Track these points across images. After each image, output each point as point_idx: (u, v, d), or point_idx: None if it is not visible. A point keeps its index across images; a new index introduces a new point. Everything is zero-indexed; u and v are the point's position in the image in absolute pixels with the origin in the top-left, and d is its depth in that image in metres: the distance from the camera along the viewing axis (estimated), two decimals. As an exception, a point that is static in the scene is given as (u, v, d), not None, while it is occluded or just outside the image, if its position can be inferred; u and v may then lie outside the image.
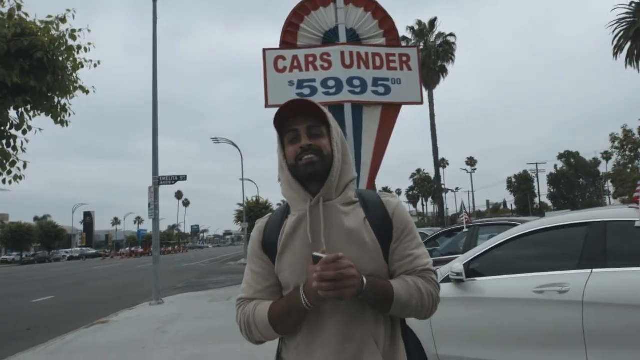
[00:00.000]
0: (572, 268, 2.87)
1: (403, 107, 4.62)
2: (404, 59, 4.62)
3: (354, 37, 4.61)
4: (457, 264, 3.35)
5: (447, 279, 3.42)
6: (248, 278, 1.40)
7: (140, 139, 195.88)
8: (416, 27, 35.65)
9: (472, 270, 3.35)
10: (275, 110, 1.34)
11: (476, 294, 3.24)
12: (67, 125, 7.45)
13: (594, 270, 2.79)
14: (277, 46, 4.50)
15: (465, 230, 7.31)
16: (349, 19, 4.63)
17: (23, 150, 6.97)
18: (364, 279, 1.19)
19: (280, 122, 1.35)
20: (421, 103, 4.73)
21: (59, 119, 7.32)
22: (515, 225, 6.25)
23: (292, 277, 1.31)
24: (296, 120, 1.33)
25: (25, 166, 6.98)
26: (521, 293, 2.98)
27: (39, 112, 7.06)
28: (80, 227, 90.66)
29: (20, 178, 6.95)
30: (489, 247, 3.36)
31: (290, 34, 4.53)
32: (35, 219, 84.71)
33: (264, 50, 4.45)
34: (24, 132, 6.99)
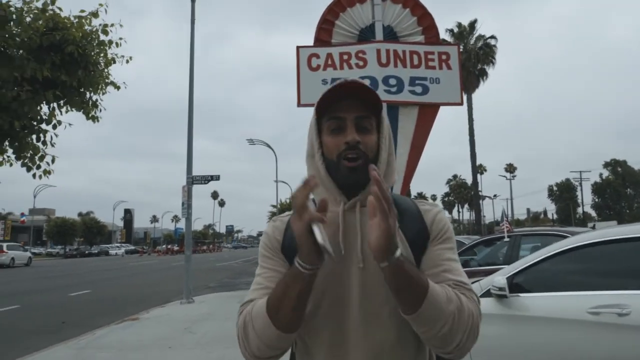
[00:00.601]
0: (634, 288, 2.54)
1: (440, 108, 4.38)
2: (444, 57, 4.39)
3: (391, 35, 4.42)
4: (499, 278, 3.05)
5: (487, 293, 3.13)
6: (259, 279, 1.13)
7: (178, 140, 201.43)
8: (455, 30, 34.86)
9: (516, 285, 3.04)
10: (308, 108, 1.13)
11: (520, 312, 2.93)
12: (98, 121, 7.48)
13: None
14: (311, 44, 4.35)
15: (507, 239, 6.91)
16: (386, 16, 4.45)
17: (52, 145, 7.06)
18: (400, 245, 0.94)
19: (325, 105, 1.10)
20: (461, 104, 4.46)
21: (90, 114, 7.35)
22: (561, 236, 5.87)
23: (317, 292, 1.05)
24: (343, 106, 1.08)
25: (53, 160, 7.07)
26: (573, 313, 2.66)
27: (70, 107, 7.13)
28: (121, 224, 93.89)
29: (50, 173, 7.05)
30: (536, 260, 3.04)
31: (324, 31, 4.38)
32: (79, 214, 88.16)
33: (298, 47, 4.31)
34: (54, 127, 7.04)
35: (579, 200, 69.37)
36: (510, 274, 3.10)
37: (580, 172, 61.58)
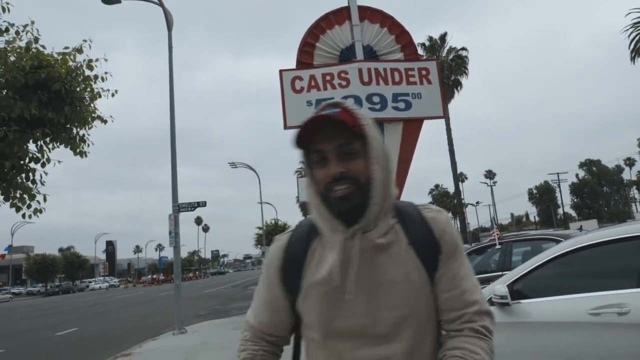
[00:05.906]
0: (632, 286, 2.61)
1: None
2: (424, 72, 4.51)
3: (371, 54, 4.52)
4: (500, 286, 3.09)
5: (489, 302, 3.16)
6: (258, 303, 1.23)
7: (158, 169, 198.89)
8: (427, 43, 35.68)
9: (517, 292, 3.08)
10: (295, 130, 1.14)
11: (523, 318, 2.96)
12: (85, 156, 7.43)
13: None
14: (293, 67, 4.43)
15: (498, 247, 6.99)
16: (365, 36, 4.55)
17: (42, 184, 6.89)
18: None
19: (303, 142, 1.10)
20: (443, 117, 4.59)
21: (77, 150, 7.27)
22: (551, 240, 5.97)
23: (317, 319, 1.10)
24: (321, 138, 1.06)
25: (45, 199, 6.90)
26: (574, 316, 2.71)
27: (58, 144, 7.08)
28: (103, 256, 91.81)
29: (41, 211, 6.86)
30: (534, 266, 3.09)
31: (306, 54, 4.46)
32: (60, 250, 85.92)
33: (281, 71, 4.37)
34: (43, 165, 6.92)
35: (559, 202, 70.75)
36: (510, 281, 3.14)
37: (558, 173, 62.86)
